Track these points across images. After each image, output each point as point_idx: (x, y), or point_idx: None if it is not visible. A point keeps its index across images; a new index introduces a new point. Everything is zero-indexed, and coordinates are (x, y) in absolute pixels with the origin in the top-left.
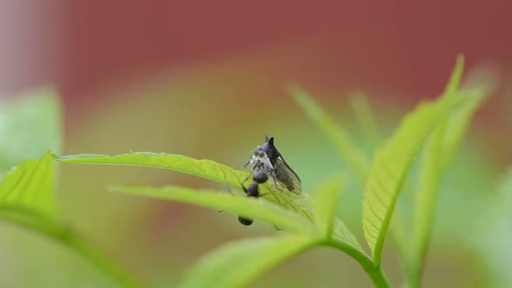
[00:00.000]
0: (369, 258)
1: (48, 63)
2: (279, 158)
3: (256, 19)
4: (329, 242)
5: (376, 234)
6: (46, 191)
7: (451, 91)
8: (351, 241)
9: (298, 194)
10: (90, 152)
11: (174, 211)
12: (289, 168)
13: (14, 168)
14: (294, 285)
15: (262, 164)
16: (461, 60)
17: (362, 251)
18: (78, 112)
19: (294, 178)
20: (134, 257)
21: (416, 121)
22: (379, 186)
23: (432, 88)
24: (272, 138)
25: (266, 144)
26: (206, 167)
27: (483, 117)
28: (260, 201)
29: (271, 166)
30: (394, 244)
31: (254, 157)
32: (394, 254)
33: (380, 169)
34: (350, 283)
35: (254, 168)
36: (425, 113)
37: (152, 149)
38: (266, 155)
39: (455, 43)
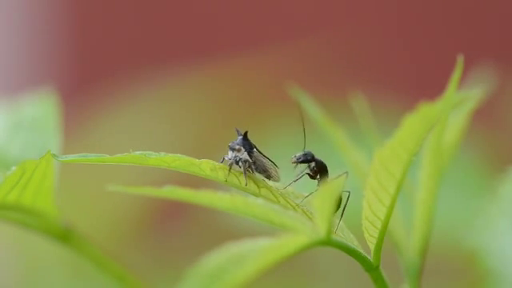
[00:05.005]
0: (368, 257)
1: (48, 63)
2: (255, 149)
3: (256, 19)
4: (328, 242)
5: (376, 234)
6: (45, 191)
7: (451, 91)
8: (351, 240)
9: (277, 181)
10: (90, 151)
11: (174, 211)
12: (265, 157)
13: (14, 168)
14: (293, 284)
15: (241, 159)
16: (461, 60)
17: (361, 251)
18: (78, 112)
19: (272, 166)
20: (133, 257)
21: (416, 120)
22: (379, 186)
23: (432, 88)
24: (246, 132)
25: (240, 138)
26: (206, 167)
27: (483, 117)
28: (260, 200)
29: (250, 160)
30: (394, 244)
31: (231, 153)
32: (393, 253)
33: (380, 168)
34: (349, 283)
35: (232, 164)
36: (424, 112)
37: (152, 148)
38: (243, 150)
39: (455, 43)
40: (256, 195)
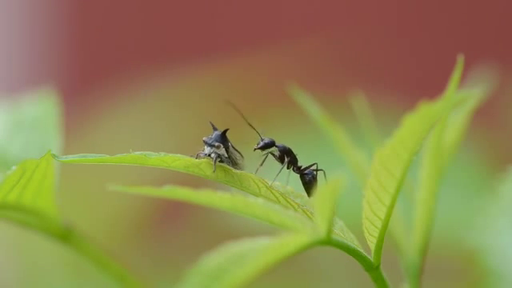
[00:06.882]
0: (369, 257)
1: (49, 63)
2: (230, 145)
3: (256, 19)
4: (328, 242)
5: (376, 234)
6: (45, 191)
7: (451, 90)
8: (351, 240)
9: (242, 170)
10: (91, 151)
11: (174, 211)
12: (234, 149)
13: (14, 167)
14: (293, 284)
15: (219, 155)
16: (461, 60)
17: (361, 251)
18: (78, 111)
19: (239, 156)
20: (134, 257)
21: (416, 120)
22: (379, 186)
23: (432, 88)
24: (226, 130)
25: (217, 134)
26: (206, 167)
27: (483, 116)
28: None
29: (226, 155)
30: (394, 244)
31: (209, 149)
32: (393, 253)
33: (380, 168)
34: (349, 283)
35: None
36: (425, 112)
37: (152, 148)
38: (222, 146)
39: (455, 43)
40: (256, 195)
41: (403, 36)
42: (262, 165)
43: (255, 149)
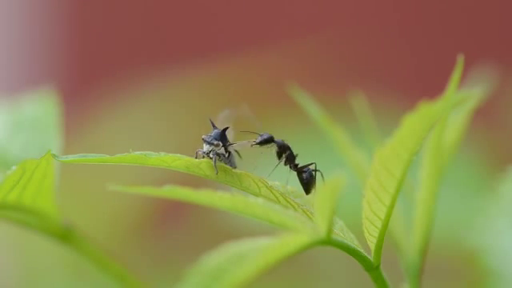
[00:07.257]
0: (369, 257)
1: (49, 62)
2: (229, 142)
3: (256, 19)
4: (329, 242)
5: (376, 234)
6: (45, 191)
7: (451, 90)
8: (351, 240)
9: (235, 167)
10: (91, 151)
11: (174, 211)
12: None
13: (14, 167)
14: (293, 284)
15: (217, 154)
16: (461, 60)
17: (361, 250)
18: (78, 111)
19: (236, 155)
20: (134, 257)
21: (416, 120)
22: (379, 186)
23: (432, 88)
24: (226, 128)
25: (216, 132)
26: (206, 167)
27: (483, 116)
28: (260, 200)
29: (225, 154)
30: (394, 243)
31: (208, 147)
32: (393, 253)
33: (380, 168)
34: (349, 283)
35: (204, 157)
36: (425, 112)
37: (152, 148)
38: (221, 144)
39: (455, 43)
40: (256, 195)
41: (403, 36)
42: (256, 159)
43: (253, 144)
